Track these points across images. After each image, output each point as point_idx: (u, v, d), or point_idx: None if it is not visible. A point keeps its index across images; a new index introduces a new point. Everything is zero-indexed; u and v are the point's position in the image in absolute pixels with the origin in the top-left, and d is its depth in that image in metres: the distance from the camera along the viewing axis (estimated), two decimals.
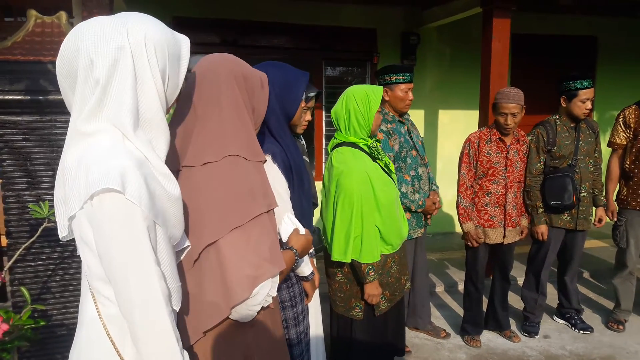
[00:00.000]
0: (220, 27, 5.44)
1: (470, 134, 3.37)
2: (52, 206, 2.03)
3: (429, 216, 3.18)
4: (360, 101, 2.45)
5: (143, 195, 1.02)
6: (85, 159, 1.03)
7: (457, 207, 3.33)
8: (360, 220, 2.41)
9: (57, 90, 1.85)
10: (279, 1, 5.44)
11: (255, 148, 1.42)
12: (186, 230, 1.32)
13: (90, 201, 0.99)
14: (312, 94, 2.34)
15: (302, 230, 1.75)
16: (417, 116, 6.26)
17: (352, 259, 2.43)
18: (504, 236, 3.31)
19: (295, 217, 1.94)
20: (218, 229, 1.29)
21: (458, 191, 3.33)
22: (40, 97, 2.21)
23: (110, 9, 3.48)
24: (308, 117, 2.42)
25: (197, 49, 5.47)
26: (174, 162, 1.37)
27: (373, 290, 2.48)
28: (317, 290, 2.74)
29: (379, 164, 2.54)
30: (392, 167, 2.66)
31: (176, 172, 1.38)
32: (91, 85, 1.05)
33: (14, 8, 5.10)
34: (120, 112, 1.05)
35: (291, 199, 1.94)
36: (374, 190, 2.43)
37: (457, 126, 6.35)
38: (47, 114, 2.23)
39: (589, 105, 3.26)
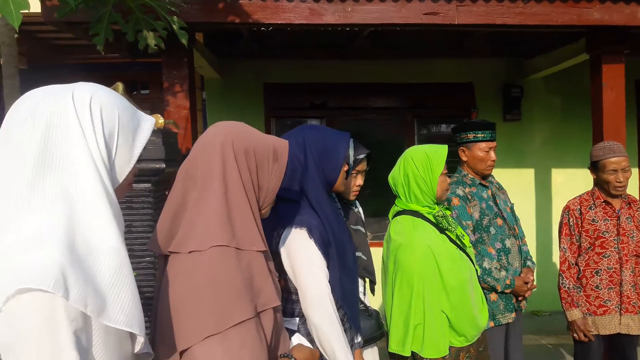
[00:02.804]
0: (308, 91, 5.48)
1: (568, 201, 2.83)
2: None
3: (520, 298, 2.65)
4: (420, 164, 2.13)
5: (77, 292, 0.85)
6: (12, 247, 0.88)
7: (559, 289, 2.76)
8: (421, 305, 2.03)
9: None
10: (367, 61, 5.35)
11: (252, 235, 1.23)
12: (162, 327, 1.15)
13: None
14: (361, 155, 2.10)
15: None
16: (526, 176, 5.66)
17: (412, 352, 2.04)
18: (620, 323, 2.65)
19: (337, 301, 1.67)
20: (192, 334, 1.11)
21: (559, 270, 2.78)
22: None
23: (191, 78, 3.56)
24: (359, 181, 2.17)
25: (287, 112, 5.57)
26: (160, 244, 1.22)
27: None
28: None
29: (448, 237, 2.16)
30: (466, 240, 2.26)
31: (163, 257, 1.24)
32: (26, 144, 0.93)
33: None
34: (67, 178, 0.92)
35: (330, 279, 1.67)
36: (440, 268, 2.06)
37: (574, 186, 5.53)
38: None
39: None
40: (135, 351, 1.02)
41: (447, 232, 2.17)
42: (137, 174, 1.98)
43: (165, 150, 1.94)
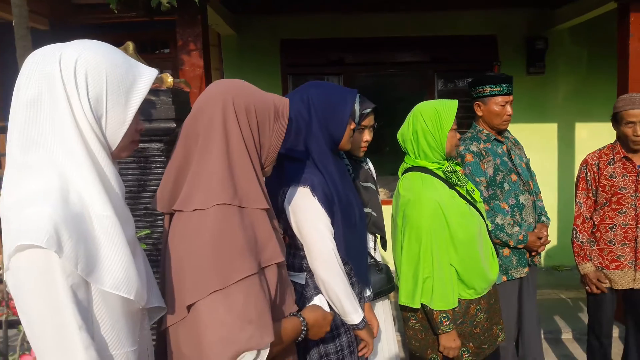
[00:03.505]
0: (325, 47, 5.39)
1: (587, 155, 2.78)
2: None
3: (534, 253, 2.65)
4: (429, 119, 2.11)
5: (69, 249, 0.89)
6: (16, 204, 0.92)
7: (572, 243, 2.75)
8: (430, 259, 2.06)
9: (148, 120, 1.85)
10: (385, 15, 5.21)
11: (254, 193, 1.24)
12: (169, 283, 1.19)
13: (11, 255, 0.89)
14: (367, 110, 2.07)
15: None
16: (548, 131, 5.55)
17: (421, 304, 2.08)
18: (635, 279, 2.64)
19: (341, 256, 1.69)
20: (197, 290, 1.14)
21: (574, 224, 2.76)
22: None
23: (205, 36, 3.54)
24: (366, 137, 2.16)
25: (304, 69, 5.51)
26: (165, 203, 1.25)
27: (449, 342, 2.09)
28: (394, 337, 2.43)
29: (458, 192, 2.16)
30: (477, 195, 2.25)
31: (169, 214, 1.26)
32: (22, 108, 0.96)
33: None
34: (59, 143, 0.94)
35: (335, 236, 1.69)
36: (448, 223, 2.07)
37: (598, 142, 5.33)
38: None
39: None
40: (142, 307, 1.07)
41: (456, 187, 2.17)
42: (150, 134, 2.02)
43: (175, 109, 1.96)
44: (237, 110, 1.24)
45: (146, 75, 1.04)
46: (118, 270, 0.96)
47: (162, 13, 3.08)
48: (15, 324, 1.81)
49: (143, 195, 1.98)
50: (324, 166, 1.72)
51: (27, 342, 1.74)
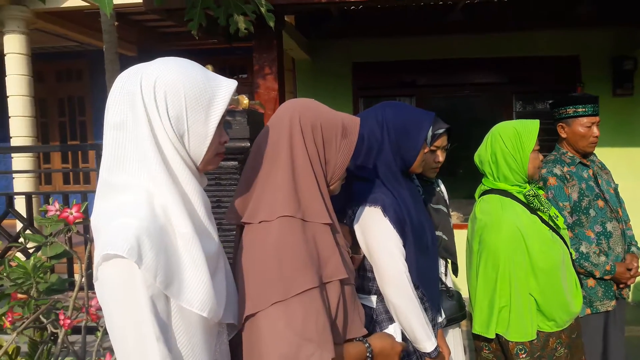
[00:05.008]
0: (398, 69, 5.39)
1: None
2: None
3: (622, 285, 2.45)
4: (509, 140, 2.02)
5: (149, 261, 0.92)
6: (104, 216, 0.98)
7: None
8: (507, 287, 1.95)
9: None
10: (460, 36, 5.13)
11: (317, 207, 1.24)
12: (239, 294, 1.20)
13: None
14: (440, 130, 2.02)
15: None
16: (637, 156, 5.17)
17: (496, 334, 1.97)
18: None
19: (413, 280, 1.64)
20: (258, 300, 1.15)
21: None
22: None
23: (280, 61, 3.64)
24: (439, 158, 2.10)
25: (375, 92, 5.52)
26: (235, 215, 1.28)
27: None
28: None
29: (540, 217, 2.05)
30: (560, 221, 2.12)
31: (239, 227, 1.30)
32: (110, 129, 1.01)
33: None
34: (142, 163, 0.98)
35: (407, 259, 1.64)
36: (529, 249, 1.96)
37: None
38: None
39: None
40: (217, 321, 1.07)
41: (538, 212, 2.06)
42: (225, 152, 2.08)
43: (250, 129, 2.02)
44: (303, 127, 1.26)
45: (224, 88, 1.04)
46: (193, 286, 0.98)
47: (240, 39, 3.20)
48: (94, 330, 1.89)
49: (218, 210, 2.03)
50: (394, 187, 1.68)
51: (104, 348, 1.82)
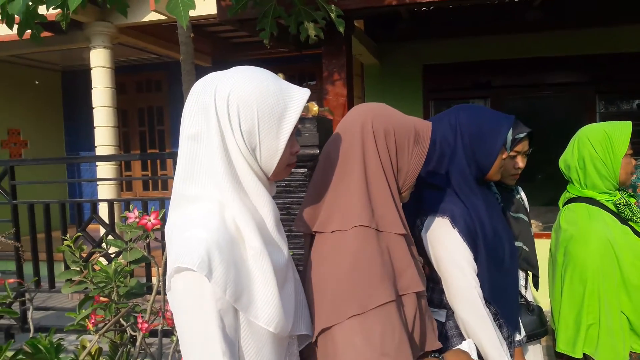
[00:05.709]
0: (471, 70, 5.23)
1: None
2: None
3: None
4: (599, 144, 1.88)
5: (219, 274, 0.92)
6: (177, 227, 0.99)
7: None
8: (597, 303, 1.81)
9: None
10: (537, 34, 4.89)
11: (391, 217, 1.20)
12: (310, 305, 1.18)
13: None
14: (521, 135, 1.90)
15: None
16: None
17: (584, 354, 1.83)
18: None
19: (485, 296, 1.55)
20: (334, 313, 1.12)
21: None
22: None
23: (349, 66, 3.63)
24: (520, 164, 1.97)
25: (447, 94, 5.38)
26: (305, 224, 1.26)
27: None
28: None
29: (632, 228, 1.89)
30: None
31: (310, 235, 1.27)
32: (185, 141, 1.02)
33: None
34: (213, 176, 0.99)
35: (478, 274, 1.55)
36: (620, 263, 1.81)
37: None
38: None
39: None
40: (288, 334, 1.06)
41: (630, 222, 1.89)
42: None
43: (319, 136, 2.01)
44: (376, 133, 1.22)
45: (296, 101, 1.02)
46: (261, 300, 0.97)
47: (310, 46, 3.22)
48: (169, 333, 1.95)
49: (287, 217, 2.04)
50: (467, 196, 1.59)
51: (179, 352, 1.86)
